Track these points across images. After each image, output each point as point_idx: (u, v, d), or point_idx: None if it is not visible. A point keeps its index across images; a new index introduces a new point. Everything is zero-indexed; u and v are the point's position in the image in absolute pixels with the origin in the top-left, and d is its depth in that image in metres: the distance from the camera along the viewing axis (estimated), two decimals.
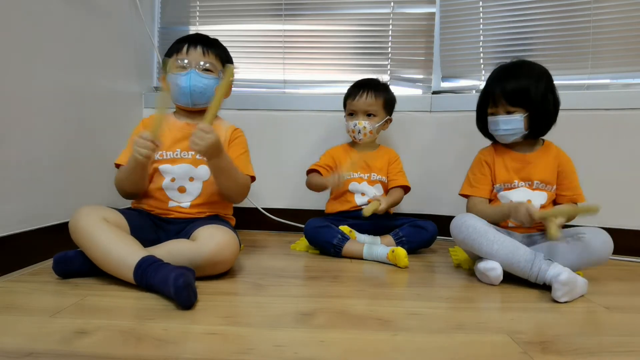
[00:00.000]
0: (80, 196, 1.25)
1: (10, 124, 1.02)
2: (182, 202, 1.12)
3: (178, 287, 0.78)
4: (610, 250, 1.02)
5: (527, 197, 1.15)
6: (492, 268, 1.01)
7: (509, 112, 1.14)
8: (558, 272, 0.92)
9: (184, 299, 0.79)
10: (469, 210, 1.22)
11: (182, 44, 1.16)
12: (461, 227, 1.07)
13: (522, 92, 1.12)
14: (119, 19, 1.49)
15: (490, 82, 1.19)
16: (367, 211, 1.28)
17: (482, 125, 1.23)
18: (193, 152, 1.11)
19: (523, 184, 1.17)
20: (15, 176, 1.03)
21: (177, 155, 1.14)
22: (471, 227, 1.05)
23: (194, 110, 1.18)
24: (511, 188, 1.18)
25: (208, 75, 1.15)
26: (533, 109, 1.13)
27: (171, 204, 1.11)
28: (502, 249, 1.00)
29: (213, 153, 1.01)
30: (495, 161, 1.22)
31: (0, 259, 0.97)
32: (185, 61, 1.13)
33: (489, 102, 1.18)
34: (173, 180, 1.11)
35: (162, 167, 1.12)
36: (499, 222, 1.15)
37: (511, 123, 1.14)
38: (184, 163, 1.13)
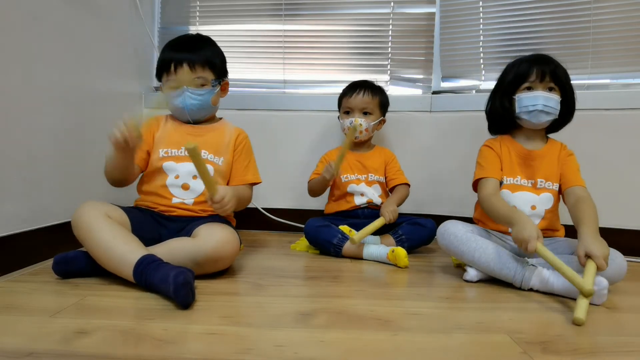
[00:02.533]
0: (80, 196, 1.25)
1: (11, 124, 1.02)
2: (186, 199, 1.12)
3: (177, 285, 0.78)
4: (624, 274, 0.99)
5: (532, 202, 1.12)
6: (467, 272, 1.05)
7: (550, 89, 1.11)
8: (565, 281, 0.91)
9: (183, 297, 0.79)
10: (480, 192, 1.15)
11: (169, 61, 1.13)
12: (443, 234, 1.07)
13: (565, 75, 1.12)
14: (119, 19, 1.49)
15: (523, 63, 1.14)
16: (352, 241, 1.22)
17: (505, 108, 1.16)
18: None
19: (526, 182, 1.15)
20: (15, 176, 1.04)
21: (181, 152, 1.14)
22: (452, 234, 1.05)
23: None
24: (514, 185, 1.15)
25: (201, 90, 1.15)
26: (566, 96, 1.13)
27: (175, 200, 1.11)
28: (484, 257, 1.00)
29: (234, 202, 1.04)
30: (502, 151, 1.19)
31: (0, 259, 0.97)
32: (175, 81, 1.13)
33: (527, 77, 1.12)
34: (177, 177, 1.12)
35: (166, 164, 1.12)
36: (500, 221, 1.10)
37: (551, 101, 1.10)
38: (189, 162, 1.11)
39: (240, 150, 1.22)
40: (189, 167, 1.12)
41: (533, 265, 0.98)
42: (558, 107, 1.12)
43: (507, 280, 0.99)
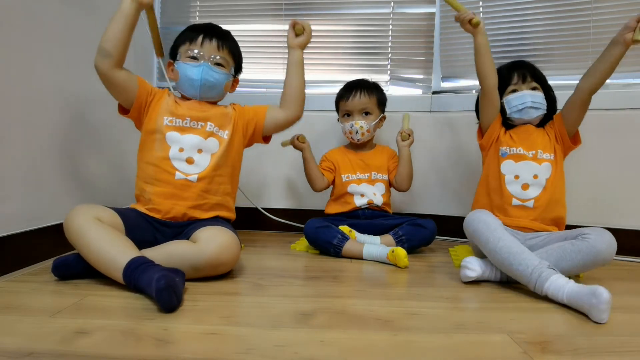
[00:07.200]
0: (80, 196, 1.25)
1: (10, 124, 1.02)
2: (190, 175, 1.08)
3: (159, 289, 0.77)
4: (614, 251, 1.00)
5: (534, 171, 1.17)
6: (470, 269, 1.02)
7: (533, 89, 1.20)
8: (582, 290, 0.84)
9: (165, 301, 0.77)
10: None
11: (197, 33, 1.13)
12: (473, 221, 1.08)
13: (543, 76, 1.23)
14: None
15: (502, 70, 1.24)
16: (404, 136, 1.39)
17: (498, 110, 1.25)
18: (203, 124, 1.12)
19: (526, 152, 1.19)
20: (15, 176, 1.04)
21: (186, 124, 1.11)
22: (483, 221, 1.06)
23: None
24: (518, 155, 1.20)
25: (220, 70, 1.13)
26: (547, 92, 1.22)
27: (178, 175, 1.07)
28: (506, 248, 0.98)
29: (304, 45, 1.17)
30: (500, 132, 1.25)
31: (0, 259, 0.97)
32: (198, 52, 1.11)
33: (510, 81, 1.22)
34: (181, 150, 1.09)
35: (170, 134, 1.09)
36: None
37: (537, 97, 1.20)
38: (193, 134, 1.11)
39: (244, 111, 1.22)
40: (194, 140, 1.10)
41: (553, 269, 0.93)
42: (545, 102, 1.20)
43: (522, 277, 0.94)
